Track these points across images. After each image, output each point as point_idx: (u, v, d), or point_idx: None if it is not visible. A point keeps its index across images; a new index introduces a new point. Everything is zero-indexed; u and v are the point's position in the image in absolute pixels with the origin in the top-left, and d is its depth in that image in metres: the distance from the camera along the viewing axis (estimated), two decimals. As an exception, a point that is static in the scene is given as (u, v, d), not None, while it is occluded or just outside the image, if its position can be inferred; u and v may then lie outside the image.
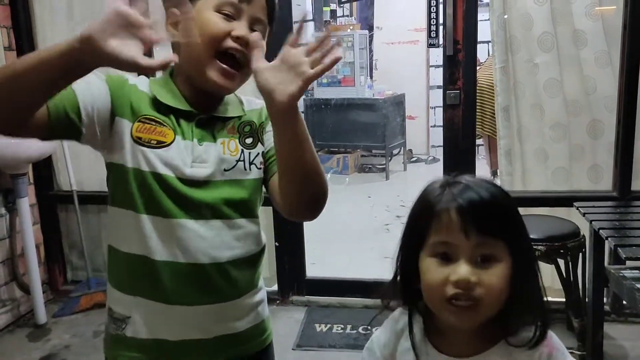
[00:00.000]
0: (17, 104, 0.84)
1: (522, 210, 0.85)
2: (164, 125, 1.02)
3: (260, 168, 1.09)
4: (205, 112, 1.06)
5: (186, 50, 0.99)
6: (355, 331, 2.75)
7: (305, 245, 3.12)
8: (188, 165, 1.02)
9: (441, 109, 2.89)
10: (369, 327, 2.74)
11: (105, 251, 1.10)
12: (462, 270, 0.77)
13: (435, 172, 5.53)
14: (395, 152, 7.01)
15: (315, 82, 6.73)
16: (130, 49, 0.77)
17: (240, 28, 0.99)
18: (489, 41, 2.89)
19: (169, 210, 1.00)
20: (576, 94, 2.70)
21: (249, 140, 1.09)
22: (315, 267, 3.26)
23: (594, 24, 2.64)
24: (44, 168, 3.20)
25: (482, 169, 4.57)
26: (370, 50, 7.20)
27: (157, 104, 1.03)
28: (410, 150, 7.25)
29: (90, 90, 0.97)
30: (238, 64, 1.01)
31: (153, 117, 1.02)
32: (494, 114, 3.04)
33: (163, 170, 1.00)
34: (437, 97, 6.75)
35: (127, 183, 1.00)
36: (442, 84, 2.84)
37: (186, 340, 1.05)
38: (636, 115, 2.59)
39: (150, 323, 1.05)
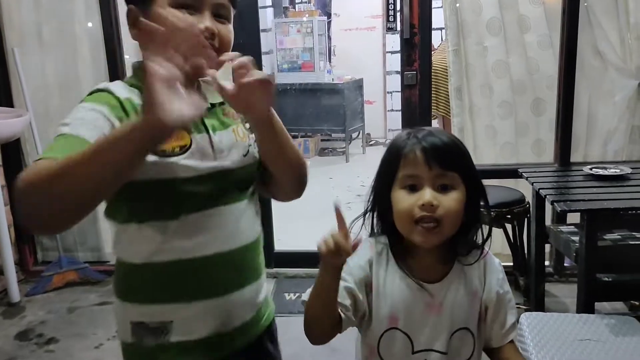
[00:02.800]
0: (85, 204, 0.80)
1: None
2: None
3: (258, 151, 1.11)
4: None
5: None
6: (322, 298, 2.93)
7: (273, 222, 3.27)
8: (212, 158, 1.02)
9: (398, 93, 3.08)
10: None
11: (122, 271, 1.07)
12: (427, 195, 0.95)
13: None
14: (354, 135, 7.21)
15: (276, 67, 6.87)
16: (181, 102, 0.73)
17: (203, 20, 0.97)
18: (442, 28, 3.10)
19: (202, 205, 1.00)
20: (521, 75, 2.95)
21: (247, 125, 1.11)
22: (282, 242, 3.42)
23: (537, 9, 2.88)
24: (12, 150, 3.23)
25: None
26: (329, 37, 7.35)
27: None
28: (369, 134, 7.47)
29: (97, 128, 0.91)
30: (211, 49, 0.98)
31: None
32: (448, 95, 3.26)
33: (192, 172, 0.98)
34: (394, 82, 6.98)
35: (154, 197, 0.98)
36: (399, 69, 3.02)
37: (234, 327, 1.07)
38: (574, 94, 2.85)
39: (200, 321, 1.04)
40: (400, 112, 3.08)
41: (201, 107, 0.76)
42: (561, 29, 2.82)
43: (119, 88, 0.99)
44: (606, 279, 2.01)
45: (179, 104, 0.72)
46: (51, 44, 3.21)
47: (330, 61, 7.32)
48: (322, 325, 0.98)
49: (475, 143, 3.06)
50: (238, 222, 1.06)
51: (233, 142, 1.06)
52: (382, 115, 7.66)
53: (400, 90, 3.00)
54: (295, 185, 1.11)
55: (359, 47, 7.42)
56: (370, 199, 1.06)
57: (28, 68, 3.20)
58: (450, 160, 0.97)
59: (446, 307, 1.01)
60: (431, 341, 1.01)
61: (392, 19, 3.14)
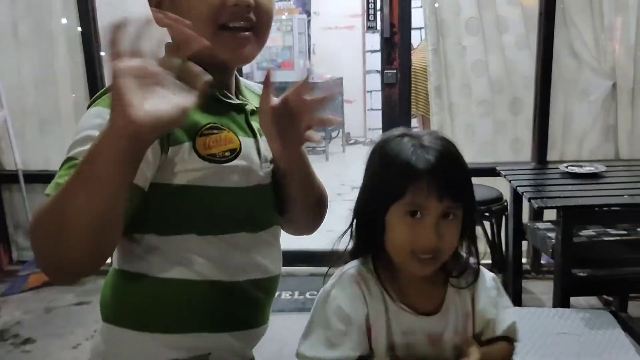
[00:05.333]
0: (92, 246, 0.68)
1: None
2: (223, 129, 0.87)
3: None
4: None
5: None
6: (302, 296, 2.94)
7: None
8: (259, 167, 0.91)
9: (378, 92, 3.10)
10: (316, 292, 2.94)
11: (149, 292, 0.87)
12: (432, 239, 0.84)
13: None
14: (334, 134, 7.22)
15: (255, 65, 6.85)
16: (162, 101, 0.62)
17: None
18: (422, 27, 3.13)
19: (246, 225, 0.90)
20: (499, 74, 2.99)
21: None
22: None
23: (515, 10, 2.93)
24: (-13, 148, 3.18)
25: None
26: (309, 35, 7.36)
27: (204, 105, 0.76)
28: (349, 133, 7.49)
29: None
30: (246, 29, 0.87)
31: (213, 124, 0.86)
32: (427, 95, 3.29)
33: (242, 181, 0.88)
34: (374, 81, 7.01)
35: (199, 205, 0.85)
36: (378, 69, 3.05)
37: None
38: (550, 94, 2.90)
39: (238, 350, 0.92)
40: (380, 112, 3.11)
41: (186, 106, 0.63)
42: (538, 29, 2.87)
43: None
44: (581, 274, 2.06)
45: (157, 101, 0.61)
46: (27, 41, 3.16)
47: (310, 60, 7.32)
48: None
49: (454, 141, 3.09)
50: (273, 247, 0.96)
51: (269, 153, 0.93)
52: (362, 114, 7.69)
53: (380, 89, 3.02)
54: (317, 223, 1.01)
55: (339, 46, 7.44)
56: (357, 215, 0.93)
57: (3, 65, 3.15)
58: (462, 192, 0.88)
59: (447, 336, 0.92)
60: None
61: (372, 18, 3.16)
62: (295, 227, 1.03)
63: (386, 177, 0.88)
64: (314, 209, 0.98)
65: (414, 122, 4.95)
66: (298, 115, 0.81)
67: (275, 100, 0.81)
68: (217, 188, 0.85)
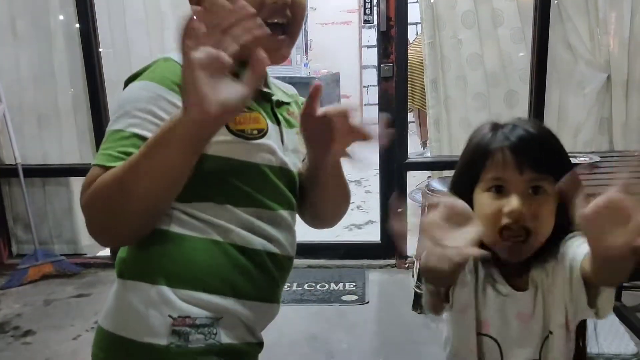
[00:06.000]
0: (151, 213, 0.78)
1: (449, 173, 1.01)
2: (252, 110, 0.90)
3: None
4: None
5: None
6: (300, 288, 2.96)
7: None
8: (282, 152, 0.93)
9: (374, 87, 3.13)
10: (314, 284, 2.97)
11: (170, 245, 0.85)
12: (514, 202, 0.81)
13: (368, 147, 5.78)
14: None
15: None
16: (228, 89, 0.65)
17: None
18: (418, 22, 3.15)
19: (268, 201, 0.91)
20: (494, 67, 3.02)
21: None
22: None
23: (510, 3, 2.96)
24: (-15, 142, 3.19)
25: (412, 142, 4.87)
26: (305, 30, 7.36)
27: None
28: (345, 128, 7.50)
29: (150, 119, 0.81)
30: (283, 27, 0.90)
31: None
32: (423, 89, 3.32)
33: (269, 159, 0.90)
34: (370, 76, 7.02)
35: (224, 175, 0.87)
36: (375, 64, 3.07)
37: (257, 342, 0.96)
38: (546, 86, 2.93)
39: (243, 324, 0.90)
40: (376, 106, 3.13)
41: (245, 95, 0.67)
42: (533, 23, 2.89)
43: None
44: (575, 263, 2.07)
45: (226, 92, 0.64)
46: (26, 37, 3.18)
47: (306, 55, 7.33)
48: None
49: (450, 134, 3.13)
50: (289, 229, 0.96)
51: (296, 145, 0.98)
52: (359, 109, 7.69)
53: (376, 83, 3.04)
54: (333, 219, 1.06)
55: (336, 41, 7.45)
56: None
57: (2, 61, 3.16)
58: (545, 162, 0.84)
59: (538, 314, 0.88)
60: (521, 350, 0.89)
61: (369, 12, 3.18)
62: (318, 220, 1.06)
63: (468, 158, 0.90)
64: (340, 205, 1.03)
65: (410, 116, 4.98)
66: (334, 132, 0.86)
67: (319, 110, 0.85)
68: (243, 162, 0.87)
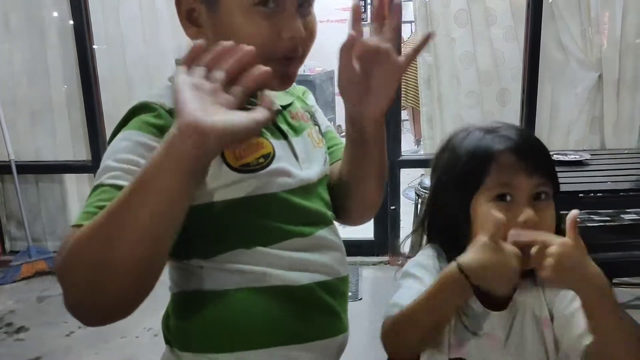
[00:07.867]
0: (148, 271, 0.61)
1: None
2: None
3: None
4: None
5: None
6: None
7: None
8: (298, 168, 0.84)
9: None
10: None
11: (188, 307, 0.81)
12: (529, 210, 0.75)
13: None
14: (325, 127, 7.24)
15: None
16: (232, 115, 0.58)
17: (289, 24, 0.77)
18: (411, 21, 3.17)
19: (299, 228, 0.82)
20: (487, 66, 3.03)
21: (317, 127, 0.94)
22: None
23: (503, 2, 2.97)
24: (-22, 138, 3.18)
25: (406, 139, 4.89)
26: (300, 28, 7.36)
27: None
28: (339, 126, 7.52)
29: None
30: (296, 57, 0.81)
31: None
32: (417, 87, 3.34)
33: (282, 184, 0.81)
34: (365, 74, 7.01)
35: (243, 217, 0.79)
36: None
37: None
38: (538, 85, 2.95)
39: None
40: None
41: (259, 118, 0.59)
42: (526, 22, 2.91)
43: (167, 95, 0.74)
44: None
45: (226, 114, 0.57)
46: (18, 33, 3.17)
47: (301, 53, 7.32)
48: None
49: (443, 132, 3.14)
50: (333, 246, 0.88)
51: (312, 150, 0.88)
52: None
53: (370, 80, 3.05)
54: (379, 199, 0.93)
55: (330, 39, 7.38)
56: (434, 209, 0.87)
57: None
58: (548, 164, 0.79)
59: (511, 344, 0.80)
60: None
61: (364, 10, 3.19)
62: (358, 211, 0.96)
63: (463, 168, 0.81)
64: (381, 183, 0.91)
65: (404, 114, 5.00)
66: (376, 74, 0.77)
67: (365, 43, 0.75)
68: (258, 196, 0.79)
